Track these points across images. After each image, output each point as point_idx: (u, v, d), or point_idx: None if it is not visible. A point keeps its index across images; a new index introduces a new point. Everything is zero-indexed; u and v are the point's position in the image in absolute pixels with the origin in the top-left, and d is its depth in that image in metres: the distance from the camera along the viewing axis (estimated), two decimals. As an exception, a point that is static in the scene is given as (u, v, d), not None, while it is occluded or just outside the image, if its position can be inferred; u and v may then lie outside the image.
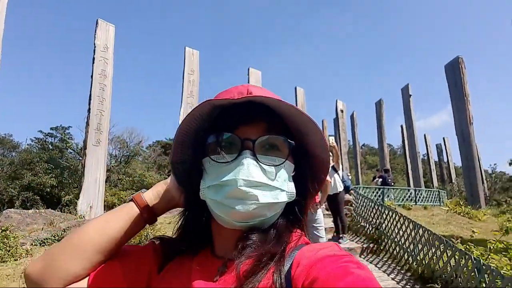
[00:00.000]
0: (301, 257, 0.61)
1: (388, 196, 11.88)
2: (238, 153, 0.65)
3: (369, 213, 8.10)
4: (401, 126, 27.77)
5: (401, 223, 6.39)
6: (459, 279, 4.29)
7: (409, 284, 5.18)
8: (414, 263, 5.60)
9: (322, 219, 5.14)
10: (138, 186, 24.48)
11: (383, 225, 7.16)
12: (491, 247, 4.59)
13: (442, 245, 4.84)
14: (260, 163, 0.65)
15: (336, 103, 27.44)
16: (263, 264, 0.62)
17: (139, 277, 0.71)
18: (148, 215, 0.75)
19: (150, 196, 0.77)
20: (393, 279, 5.49)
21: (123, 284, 0.69)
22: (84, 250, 0.68)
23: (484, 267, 3.74)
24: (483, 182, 20.00)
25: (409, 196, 12.54)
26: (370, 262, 6.46)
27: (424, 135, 33.71)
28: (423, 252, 5.43)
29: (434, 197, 13.18)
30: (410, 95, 24.53)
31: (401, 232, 6.34)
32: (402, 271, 5.79)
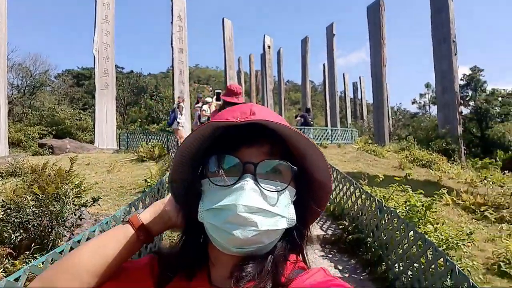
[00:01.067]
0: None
1: (308, 135, 12.66)
2: (239, 176, 0.64)
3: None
4: (323, 65, 28.84)
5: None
6: (364, 217, 4.89)
7: (322, 219, 5.79)
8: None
9: None
10: (48, 122, 22.35)
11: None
12: (393, 189, 5.27)
13: (352, 186, 5.38)
14: (261, 188, 0.64)
15: (264, 39, 27.06)
16: None
17: None
18: (145, 236, 0.75)
19: (147, 216, 0.76)
20: (308, 216, 6.08)
21: None
22: (79, 274, 0.67)
23: (384, 208, 4.29)
24: (388, 119, 22.22)
25: (326, 135, 13.51)
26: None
27: (343, 74, 35.66)
28: (336, 191, 6.01)
29: (348, 136, 14.43)
30: (334, 35, 25.18)
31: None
32: (317, 208, 6.41)
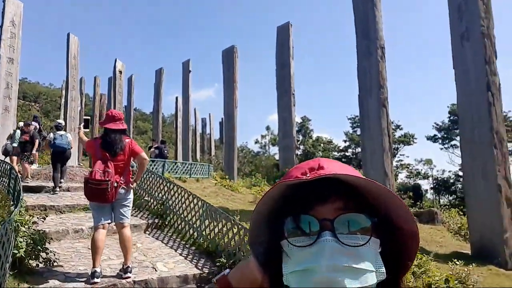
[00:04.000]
0: None
1: (171, 168, 12.34)
2: (318, 235, 0.62)
3: (155, 188, 8.16)
4: (176, 98, 29.09)
5: (190, 200, 6.79)
6: (242, 252, 5.04)
7: (195, 258, 5.64)
8: (201, 239, 6.11)
9: (132, 201, 4.84)
10: None
11: (170, 201, 7.39)
12: None
13: (230, 223, 5.51)
14: (342, 244, 0.61)
15: (115, 63, 25.52)
16: None
17: None
18: None
19: (234, 277, 0.78)
20: (180, 254, 5.82)
21: None
22: None
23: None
24: (237, 157, 23.80)
25: (185, 169, 13.45)
26: (156, 238, 6.58)
27: (195, 109, 36.73)
28: (209, 228, 6.01)
29: (205, 170, 14.74)
30: (190, 71, 25.92)
31: (188, 208, 6.74)
32: (187, 246, 6.22)
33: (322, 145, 29.58)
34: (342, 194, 0.65)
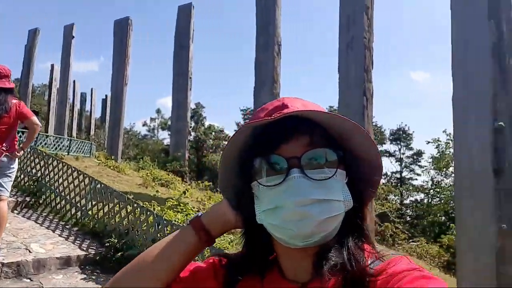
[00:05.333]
0: (378, 279, 0.62)
1: (41, 143, 10.71)
2: (286, 173, 0.65)
3: (27, 162, 7.03)
4: (52, 65, 25.42)
5: (74, 176, 6.06)
6: (136, 231, 4.77)
7: (79, 239, 5.09)
8: (86, 218, 5.54)
9: (15, 171, 4.16)
10: None
11: (47, 177, 6.48)
12: (168, 205, 5.45)
13: (122, 202, 5.13)
14: (310, 179, 0.64)
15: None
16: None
17: None
18: (206, 238, 0.75)
19: (207, 219, 0.77)
20: (60, 235, 5.18)
21: None
22: (147, 275, 0.71)
23: (165, 221, 4.41)
24: (121, 139, 22.22)
25: (63, 145, 11.89)
26: (28, 218, 5.70)
27: (74, 81, 32.77)
28: (97, 207, 5.50)
29: (86, 149, 13.29)
30: (73, 37, 22.95)
31: (72, 186, 6.02)
32: (68, 226, 5.56)
33: (213, 133, 29.86)
34: (308, 131, 0.67)
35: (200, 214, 0.78)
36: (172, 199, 6.60)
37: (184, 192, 7.70)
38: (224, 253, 0.82)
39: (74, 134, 28.44)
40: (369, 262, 0.66)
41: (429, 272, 0.59)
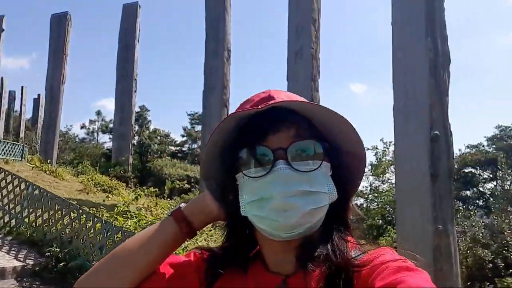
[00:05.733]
0: (362, 270, 0.62)
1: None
2: (272, 164, 0.64)
3: None
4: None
5: (8, 181, 5.52)
6: (81, 240, 4.46)
7: (14, 249, 4.63)
8: (22, 226, 5.06)
9: None
10: None
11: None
12: (117, 211, 5.15)
13: (65, 208, 4.78)
14: (296, 170, 0.64)
15: None
16: (330, 280, 0.62)
17: None
18: (188, 230, 0.73)
19: (189, 210, 0.74)
20: (-10, 246, 4.67)
21: None
22: (124, 268, 0.68)
23: (115, 228, 4.18)
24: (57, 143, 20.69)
25: (-9, 148, 10.75)
26: (-50, 229, 5.06)
27: (2, 78, 29.87)
28: (35, 214, 5.06)
29: (18, 151, 12.12)
30: (3, 30, 20.93)
31: (3, 191, 5.47)
32: (0, 235, 5.04)
33: (159, 137, 28.91)
34: (294, 123, 0.67)
35: (182, 206, 0.76)
36: (117, 205, 6.29)
37: (137, 198, 7.38)
38: (206, 246, 0.80)
39: (1, 135, 25.82)
40: (353, 253, 0.66)
41: (412, 263, 0.60)
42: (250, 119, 0.68)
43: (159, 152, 26.37)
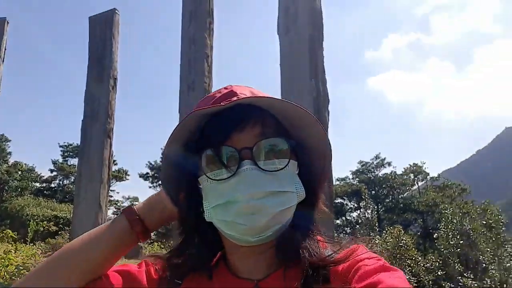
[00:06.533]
0: (337, 270, 0.61)
1: None
2: (238, 165, 0.61)
3: None
4: None
5: None
6: None
7: None
8: None
9: None
10: None
11: None
12: None
13: None
14: (263, 171, 0.61)
15: None
16: (306, 280, 0.60)
17: None
18: (140, 229, 0.69)
19: (142, 208, 0.71)
20: None
21: None
22: (66, 270, 0.64)
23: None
24: None
25: None
26: None
27: None
28: None
29: None
30: None
31: None
32: None
33: (20, 172, 24.65)
34: (259, 120, 0.64)
35: (135, 203, 0.73)
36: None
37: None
38: (160, 253, 0.74)
39: None
40: (326, 252, 0.64)
41: (386, 262, 0.59)
42: (212, 118, 0.64)
43: (19, 189, 22.45)
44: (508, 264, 14.63)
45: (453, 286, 14.69)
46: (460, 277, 14.32)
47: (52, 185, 27.64)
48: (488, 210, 16.89)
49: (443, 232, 16.10)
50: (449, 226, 15.77)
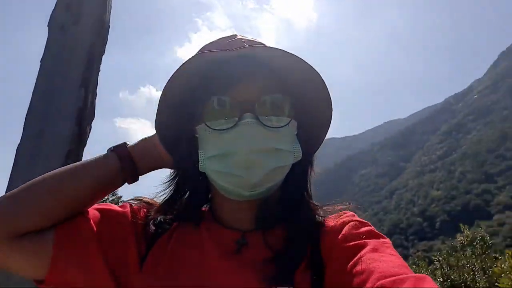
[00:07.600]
0: (326, 231, 0.62)
1: None
2: (239, 117, 0.59)
3: None
4: None
5: None
6: None
7: None
8: None
9: None
10: None
11: None
12: None
13: None
14: (264, 126, 0.60)
15: None
16: (293, 236, 0.61)
17: (122, 245, 0.62)
18: (130, 171, 0.66)
19: (135, 149, 0.67)
20: None
21: (98, 245, 0.60)
22: (45, 197, 0.58)
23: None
24: None
25: None
26: None
27: None
28: None
29: None
30: None
31: None
32: None
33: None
34: (264, 74, 0.62)
35: (128, 142, 0.68)
36: None
37: None
38: (146, 198, 0.71)
39: None
40: (317, 213, 0.66)
41: (374, 228, 0.59)
42: (218, 66, 0.61)
43: None
44: None
45: None
46: None
47: None
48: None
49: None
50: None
